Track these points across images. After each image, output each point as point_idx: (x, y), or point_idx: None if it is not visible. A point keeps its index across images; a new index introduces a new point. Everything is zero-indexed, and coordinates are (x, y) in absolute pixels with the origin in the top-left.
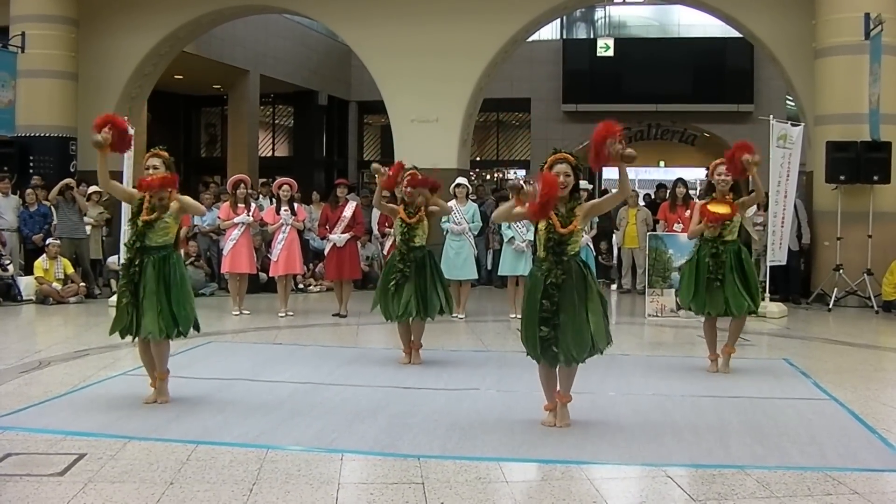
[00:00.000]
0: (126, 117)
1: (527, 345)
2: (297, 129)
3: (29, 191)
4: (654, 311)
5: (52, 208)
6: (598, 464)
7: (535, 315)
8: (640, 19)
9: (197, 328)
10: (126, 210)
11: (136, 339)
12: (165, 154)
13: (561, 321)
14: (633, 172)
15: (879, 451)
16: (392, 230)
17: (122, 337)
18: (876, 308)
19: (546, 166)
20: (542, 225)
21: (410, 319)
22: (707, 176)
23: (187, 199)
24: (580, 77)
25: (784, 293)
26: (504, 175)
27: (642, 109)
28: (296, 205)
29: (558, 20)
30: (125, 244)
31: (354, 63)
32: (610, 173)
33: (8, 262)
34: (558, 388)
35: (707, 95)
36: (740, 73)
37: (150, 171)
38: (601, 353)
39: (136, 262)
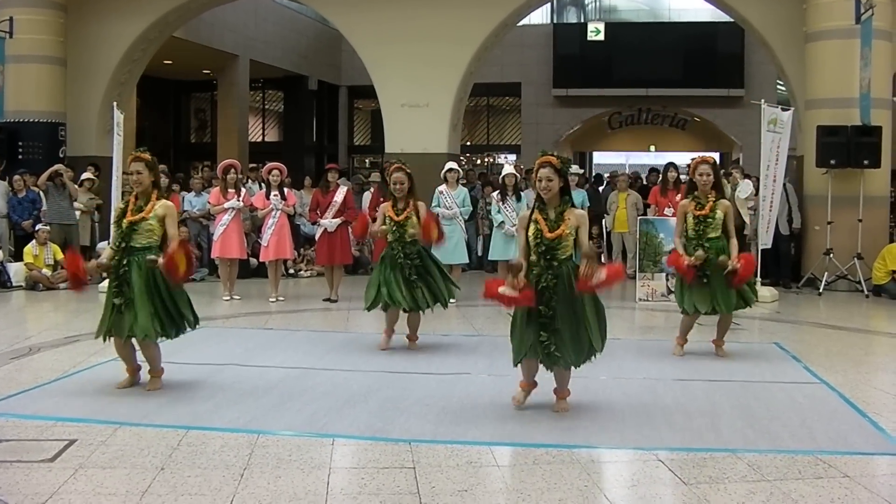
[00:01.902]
0: (115, 102)
1: (520, 345)
2: (287, 115)
3: (17, 177)
4: (645, 295)
5: (42, 194)
6: (589, 448)
7: (530, 320)
8: (630, 3)
9: (195, 323)
10: (116, 200)
11: (110, 338)
12: (147, 157)
13: (559, 327)
14: (624, 157)
15: (869, 434)
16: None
17: (105, 340)
18: (866, 292)
19: (534, 171)
20: (531, 230)
21: (405, 310)
22: (688, 174)
23: (171, 223)
24: (571, 61)
25: (775, 277)
26: (495, 160)
27: (633, 94)
28: (285, 189)
29: (549, 4)
30: (111, 246)
31: (344, 48)
32: (600, 158)
33: None
34: (554, 385)
35: (698, 80)
36: (731, 57)
37: (134, 177)
38: (596, 355)
39: (125, 263)
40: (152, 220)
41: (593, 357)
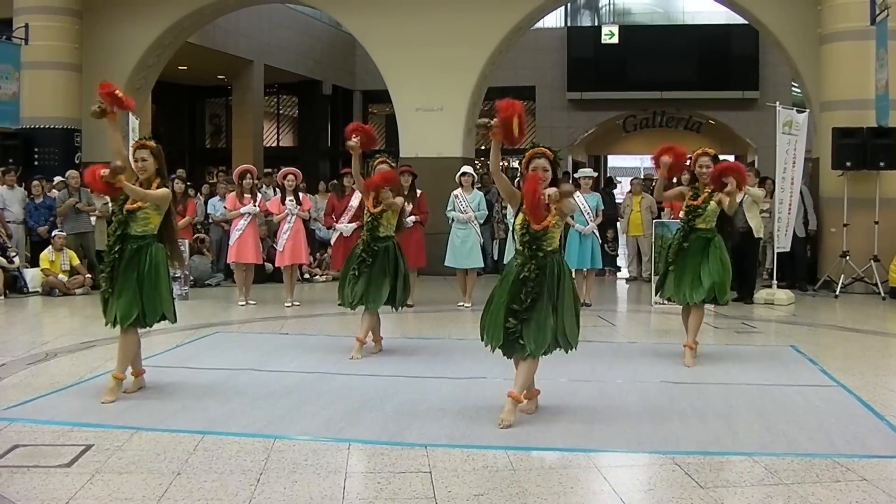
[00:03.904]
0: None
1: (484, 331)
2: (302, 119)
3: (35, 183)
4: (661, 298)
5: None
6: (605, 451)
7: (502, 305)
8: (644, 6)
9: (170, 319)
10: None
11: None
12: (153, 144)
13: (529, 315)
14: (639, 160)
15: (887, 437)
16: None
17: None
18: (883, 294)
19: (525, 160)
20: (518, 220)
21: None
22: (689, 165)
23: (155, 193)
24: (585, 65)
25: (791, 280)
26: (509, 164)
27: (647, 97)
28: (301, 194)
29: (562, 8)
30: (108, 232)
31: (359, 52)
32: (615, 162)
33: (14, 254)
34: (513, 384)
35: (712, 82)
36: (745, 59)
37: (140, 164)
38: (568, 350)
39: (116, 250)
40: (150, 209)
41: (563, 350)
